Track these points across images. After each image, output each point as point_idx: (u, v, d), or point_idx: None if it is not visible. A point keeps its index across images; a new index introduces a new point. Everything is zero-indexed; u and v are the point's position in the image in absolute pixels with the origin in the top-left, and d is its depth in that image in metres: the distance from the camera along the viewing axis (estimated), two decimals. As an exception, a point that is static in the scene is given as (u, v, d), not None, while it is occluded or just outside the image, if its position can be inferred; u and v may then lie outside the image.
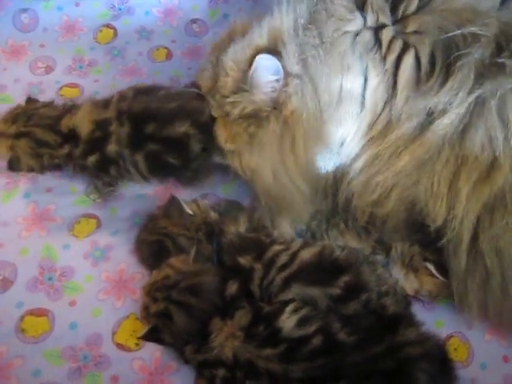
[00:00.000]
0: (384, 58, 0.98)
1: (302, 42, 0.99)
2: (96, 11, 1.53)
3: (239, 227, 1.12)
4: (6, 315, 1.06)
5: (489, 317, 1.06)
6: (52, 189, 1.23)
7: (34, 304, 1.08)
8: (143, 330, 1.00)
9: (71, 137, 1.14)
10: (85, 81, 1.39)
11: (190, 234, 1.07)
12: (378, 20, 0.99)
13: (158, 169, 1.17)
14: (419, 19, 0.97)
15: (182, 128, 1.13)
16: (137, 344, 1.04)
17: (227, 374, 0.95)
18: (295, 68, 0.99)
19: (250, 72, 0.98)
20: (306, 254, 1.05)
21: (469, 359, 1.08)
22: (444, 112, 0.94)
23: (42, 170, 1.18)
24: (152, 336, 0.99)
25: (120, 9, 1.54)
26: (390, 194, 1.01)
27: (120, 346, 1.04)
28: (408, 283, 1.11)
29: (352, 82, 0.99)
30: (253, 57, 0.98)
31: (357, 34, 0.99)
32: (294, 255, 1.04)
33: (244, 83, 1.00)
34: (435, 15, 0.97)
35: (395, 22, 0.99)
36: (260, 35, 1.01)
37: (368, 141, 1.02)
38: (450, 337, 1.10)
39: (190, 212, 1.10)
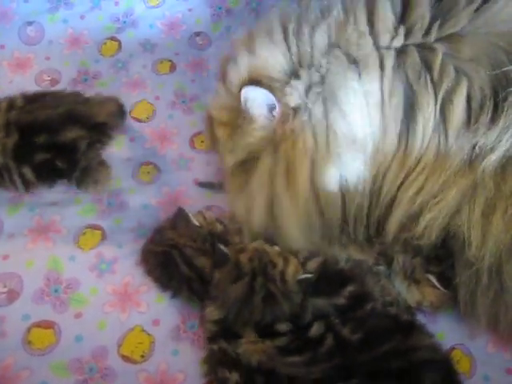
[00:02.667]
0: (434, 85, 0.91)
1: (311, 72, 0.94)
2: (101, 24, 1.53)
3: (243, 238, 1.12)
4: (12, 327, 1.06)
5: (499, 330, 1.05)
6: (56, 201, 1.23)
7: (40, 316, 1.07)
8: (149, 341, 1.01)
9: None
10: (89, 93, 1.37)
11: (197, 245, 1.08)
12: (424, 36, 0.92)
13: (46, 175, 1.19)
14: (471, 43, 0.90)
15: (72, 133, 1.17)
16: (142, 356, 1.04)
17: (241, 379, 0.94)
18: (298, 101, 0.95)
19: (242, 102, 0.97)
20: (312, 265, 1.06)
21: (471, 371, 1.07)
22: (493, 149, 0.90)
23: None
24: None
25: (124, 22, 1.54)
26: (433, 225, 0.98)
27: (125, 359, 1.04)
28: (410, 294, 1.10)
29: (394, 107, 0.93)
30: (238, 93, 0.96)
31: (401, 50, 0.92)
32: (302, 266, 1.05)
33: (237, 118, 1.00)
34: (483, 40, 0.90)
35: (440, 41, 0.92)
36: (239, 73, 0.98)
37: (410, 172, 0.97)
38: (452, 349, 1.09)
39: (197, 223, 1.10)
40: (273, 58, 0.95)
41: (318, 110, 0.94)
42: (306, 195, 1.00)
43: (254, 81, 0.95)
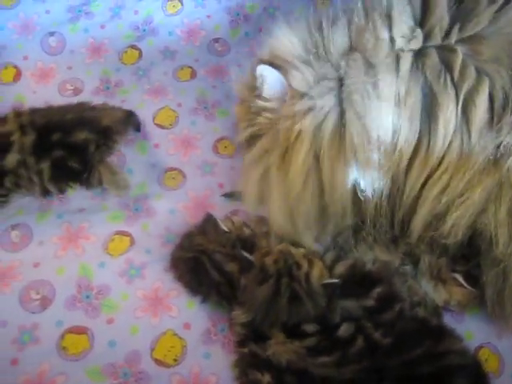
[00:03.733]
0: (454, 86, 0.92)
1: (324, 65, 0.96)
2: (121, 33, 1.55)
3: (270, 241, 1.13)
4: (46, 333, 1.07)
5: None
6: (84, 208, 1.25)
7: (73, 322, 1.09)
8: (181, 345, 1.03)
9: None
10: (112, 101, 1.41)
11: (226, 251, 1.09)
12: (444, 38, 0.93)
13: (61, 175, 1.22)
14: (492, 44, 0.91)
15: (82, 135, 1.21)
16: (175, 360, 1.06)
17: (273, 380, 0.96)
18: (305, 88, 0.96)
19: (257, 77, 0.99)
20: (340, 268, 1.07)
21: (500, 369, 1.08)
22: None
23: None
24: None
25: (144, 30, 1.56)
26: (460, 224, 0.99)
27: (159, 362, 1.06)
28: (437, 294, 1.11)
29: (411, 110, 0.93)
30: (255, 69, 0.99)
31: (419, 53, 0.93)
32: (330, 270, 1.06)
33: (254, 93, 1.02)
34: (504, 40, 0.91)
35: (461, 42, 0.92)
36: (261, 52, 1.03)
37: (434, 171, 0.98)
38: (480, 347, 1.10)
39: (226, 229, 1.11)
40: (290, 42, 0.98)
41: (326, 105, 0.95)
42: (297, 181, 1.01)
43: (269, 61, 0.98)
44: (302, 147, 0.98)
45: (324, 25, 0.97)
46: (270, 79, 0.98)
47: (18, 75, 1.46)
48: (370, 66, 0.93)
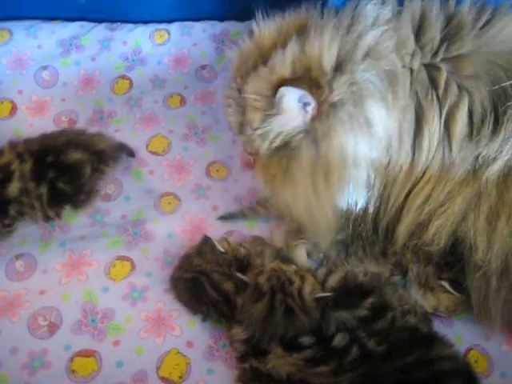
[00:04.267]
0: (439, 101, 0.97)
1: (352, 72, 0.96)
2: (111, 64, 1.59)
3: (264, 260, 1.18)
4: (56, 358, 1.11)
5: None
6: (84, 235, 1.28)
7: (80, 346, 1.12)
8: (185, 362, 1.08)
9: None
10: (106, 131, 1.45)
11: (223, 270, 1.13)
12: (433, 56, 0.98)
13: (56, 199, 1.25)
14: (471, 61, 0.96)
15: (76, 155, 1.26)
16: (180, 377, 1.10)
17: None
18: (337, 98, 0.96)
19: (276, 99, 0.97)
20: (333, 280, 1.12)
21: (489, 370, 1.12)
22: (495, 159, 0.96)
23: None
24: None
25: (133, 60, 1.61)
26: (442, 232, 1.04)
27: (165, 380, 1.09)
28: (426, 301, 1.15)
29: (408, 122, 0.98)
30: (275, 86, 0.96)
31: (414, 70, 0.98)
32: (322, 284, 1.10)
33: (270, 109, 0.99)
34: (483, 59, 0.96)
35: (444, 61, 0.98)
36: (283, 64, 0.98)
37: (417, 182, 1.03)
38: (469, 350, 1.14)
39: (222, 249, 1.15)
40: (325, 50, 0.97)
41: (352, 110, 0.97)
42: (339, 190, 1.04)
43: (293, 78, 0.97)
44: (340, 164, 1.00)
45: (354, 27, 0.99)
46: (293, 98, 0.97)
47: (13, 109, 1.50)
48: (382, 75, 0.97)
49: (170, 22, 1.66)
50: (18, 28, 1.58)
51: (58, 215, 1.28)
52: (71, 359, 1.11)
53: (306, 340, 1.04)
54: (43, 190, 1.24)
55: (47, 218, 1.28)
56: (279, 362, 1.01)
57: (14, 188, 1.22)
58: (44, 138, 1.33)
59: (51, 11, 1.62)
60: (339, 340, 1.03)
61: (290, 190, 1.04)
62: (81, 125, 1.48)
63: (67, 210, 1.29)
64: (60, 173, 1.25)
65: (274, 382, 1.00)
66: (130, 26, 1.64)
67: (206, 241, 1.17)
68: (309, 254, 1.24)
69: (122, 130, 1.47)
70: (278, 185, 1.06)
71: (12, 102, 1.51)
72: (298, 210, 1.07)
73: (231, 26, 1.66)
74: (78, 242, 1.27)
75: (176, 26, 1.66)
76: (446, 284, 1.12)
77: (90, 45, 1.60)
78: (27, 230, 1.29)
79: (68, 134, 1.35)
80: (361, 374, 0.98)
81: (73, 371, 1.10)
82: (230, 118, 1.10)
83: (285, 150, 1.02)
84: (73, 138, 1.31)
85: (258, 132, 1.02)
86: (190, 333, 1.15)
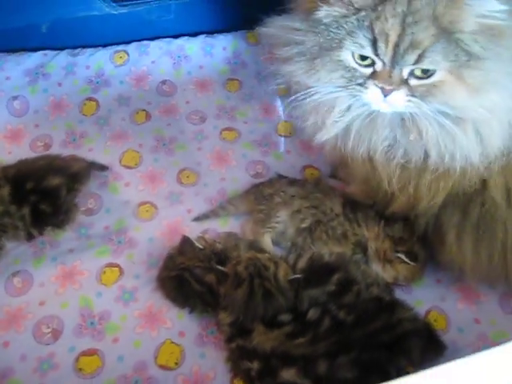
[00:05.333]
0: None
1: None
2: (77, 88, 1.67)
3: (240, 252, 1.27)
4: (62, 360, 1.19)
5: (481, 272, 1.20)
6: (73, 248, 1.36)
7: (83, 346, 1.20)
8: (179, 350, 1.19)
9: None
10: (80, 151, 1.53)
11: (204, 265, 1.21)
12: None
13: (38, 220, 1.33)
14: None
15: (55, 180, 1.34)
16: (176, 363, 1.19)
17: (261, 366, 1.08)
18: None
19: None
20: (302, 263, 1.23)
21: (447, 327, 1.23)
22: None
23: None
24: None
25: (97, 82, 1.69)
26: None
27: (163, 367, 1.19)
28: (386, 273, 1.25)
29: None
30: None
31: None
32: (293, 267, 1.22)
33: None
34: None
35: None
36: None
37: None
38: (429, 311, 1.25)
39: (201, 246, 1.24)
40: None
41: None
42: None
43: None
44: None
45: None
46: None
47: (-9, 139, 1.56)
48: None
49: (127, 43, 1.76)
50: (-15, 62, 1.64)
51: (41, 233, 1.37)
52: (77, 359, 1.19)
53: (285, 317, 1.14)
54: (25, 211, 1.32)
55: (31, 237, 1.36)
56: (263, 338, 1.11)
57: None
58: (20, 163, 1.41)
59: (14, 43, 1.70)
60: (312, 314, 1.13)
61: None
62: (56, 147, 1.55)
63: (48, 231, 1.38)
64: (42, 197, 1.33)
65: (260, 357, 1.09)
66: (90, 50, 1.73)
67: (186, 240, 1.26)
68: (278, 243, 1.35)
69: (95, 149, 1.55)
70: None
71: (-12, 132, 1.57)
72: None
73: (185, 42, 1.77)
74: (67, 255, 1.35)
75: (133, 46, 1.75)
76: (402, 256, 1.22)
77: (55, 72, 1.67)
78: (19, 250, 1.36)
79: (45, 159, 1.43)
80: (334, 341, 1.08)
81: (80, 369, 1.18)
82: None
83: None
84: (50, 163, 1.40)
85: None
86: (180, 324, 1.24)
